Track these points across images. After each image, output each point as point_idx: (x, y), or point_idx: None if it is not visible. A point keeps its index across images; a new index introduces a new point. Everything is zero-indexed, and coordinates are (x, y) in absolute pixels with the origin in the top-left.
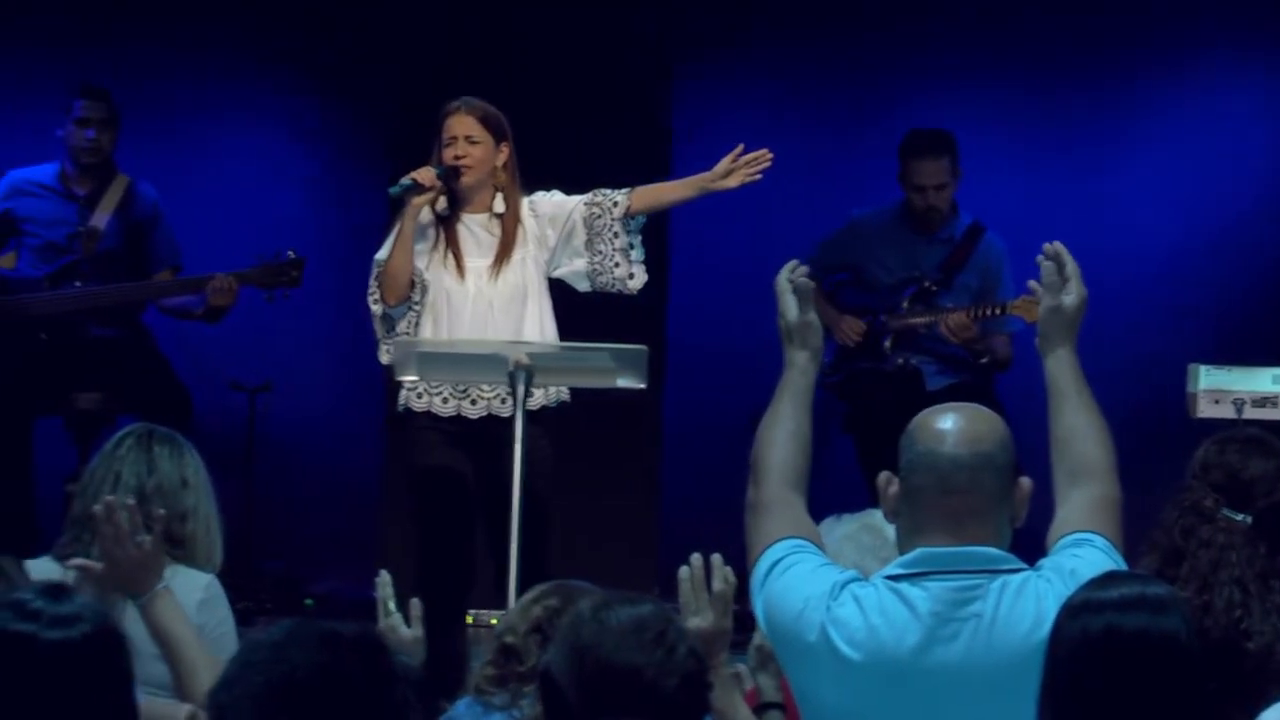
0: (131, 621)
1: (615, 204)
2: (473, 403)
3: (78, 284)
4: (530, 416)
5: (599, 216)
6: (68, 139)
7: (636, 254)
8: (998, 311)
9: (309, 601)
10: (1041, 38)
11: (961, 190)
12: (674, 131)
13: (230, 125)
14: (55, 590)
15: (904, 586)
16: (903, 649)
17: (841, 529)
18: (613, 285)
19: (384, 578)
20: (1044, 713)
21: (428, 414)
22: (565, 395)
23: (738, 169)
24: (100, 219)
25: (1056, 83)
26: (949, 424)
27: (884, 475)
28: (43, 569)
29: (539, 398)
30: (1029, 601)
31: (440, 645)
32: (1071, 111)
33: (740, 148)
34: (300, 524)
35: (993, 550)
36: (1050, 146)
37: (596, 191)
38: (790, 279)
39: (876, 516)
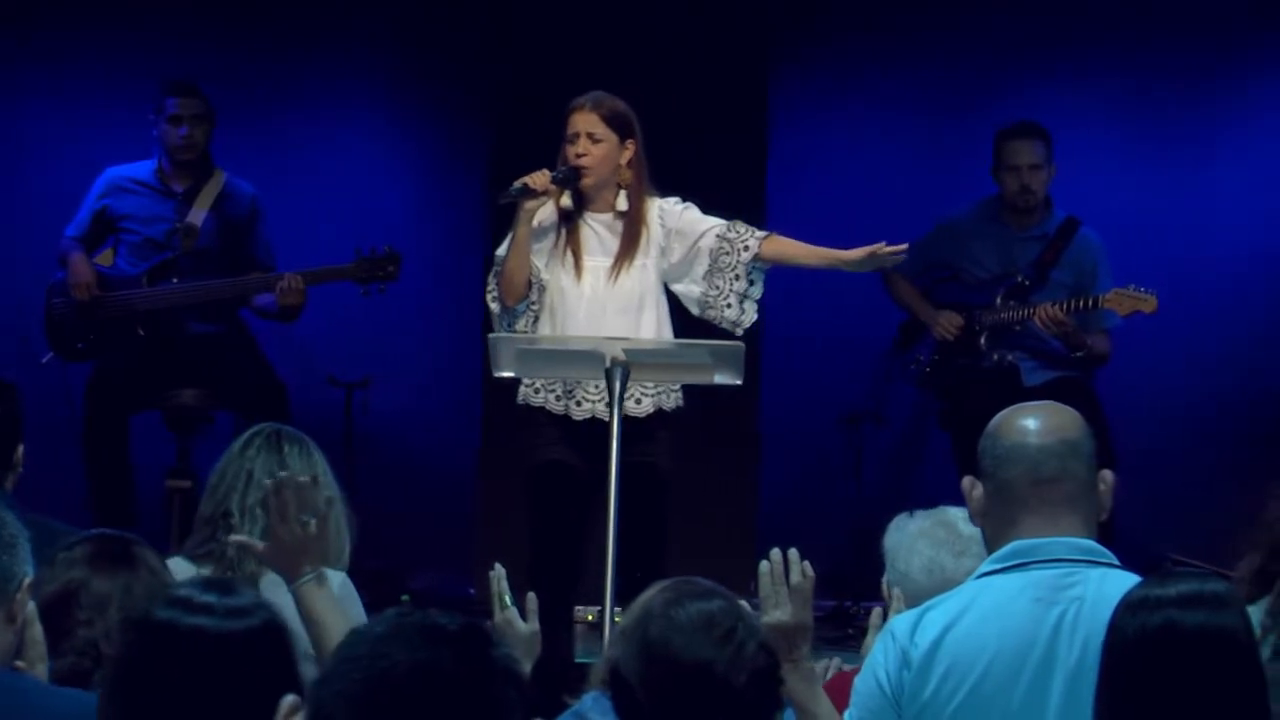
0: None
1: (746, 247)
2: (578, 404)
3: (175, 280)
4: (664, 419)
5: (726, 253)
6: (162, 137)
7: (755, 291)
8: (1090, 304)
9: (405, 598)
10: (1139, 33)
11: (1058, 188)
12: (770, 127)
13: (330, 122)
14: (218, 584)
15: (996, 579)
16: (1002, 631)
17: (915, 525)
18: (720, 321)
19: (499, 571)
20: (1101, 708)
21: (544, 410)
22: (681, 400)
23: (877, 258)
24: (197, 215)
25: (1153, 78)
26: (1030, 419)
27: (967, 480)
28: (177, 569)
29: (662, 400)
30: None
31: (548, 640)
32: (1169, 106)
33: (884, 244)
34: (397, 520)
35: (1089, 541)
36: (1148, 141)
37: (733, 225)
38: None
39: (950, 513)
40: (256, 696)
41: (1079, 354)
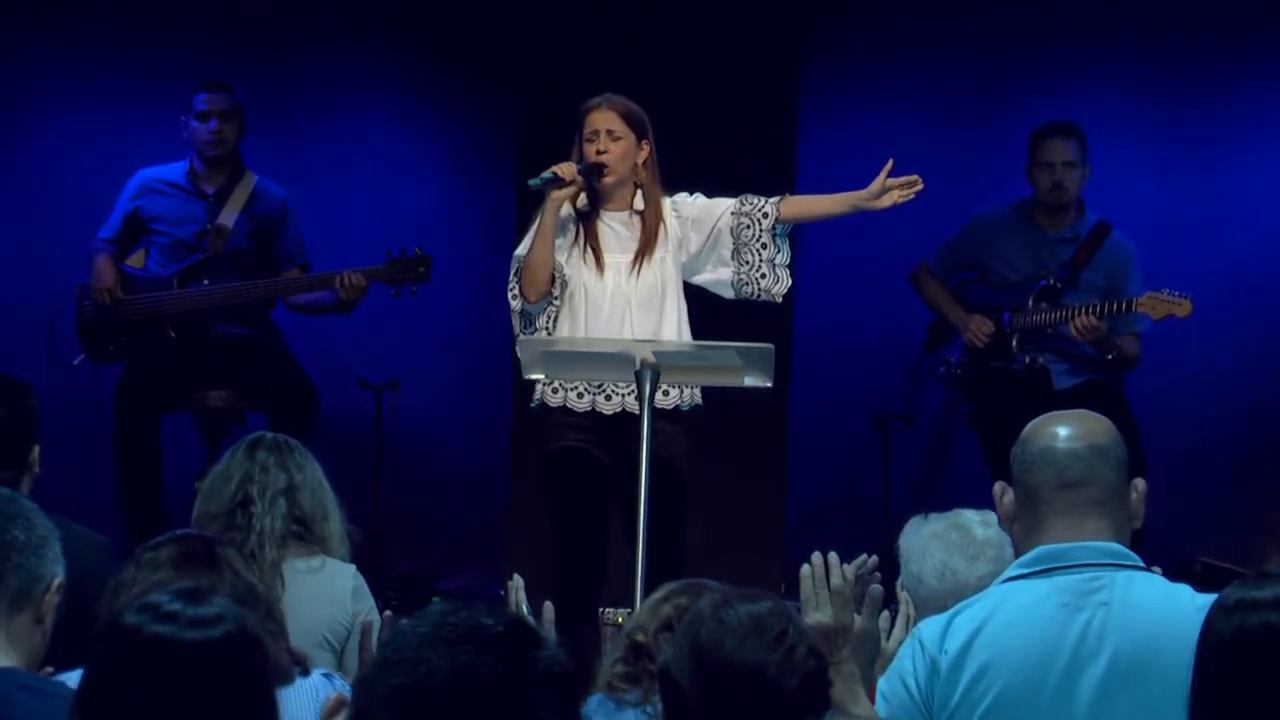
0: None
1: (765, 214)
2: (607, 398)
3: (205, 282)
4: (668, 415)
5: (747, 227)
6: (193, 135)
7: (782, 258)
8: (1123, 309)
9: (436, 599)
10: (1169, 37)
11: (1090, 192)
12: (799, 126)
13: (358, 123)
14: (191, 593)
15: (1021, 584)
16: (1028, 636)
17: (929, 528)
18: (758, 295)
19: (516, 582)
20: (1196, 709)
21: (563, 409)
22: (699, 398)
23: (891, 189)
24: (228, 217)
25: (1184, 81)
26: (1061, 425)
27: (998, 486)
28: None
29: (674, 397)
30: (1158, 591)
31: (573, 641)
32: (1199, 110)
33: (891, 163)
34: (428, 521)
35: (1114, 545)
36: (1179, 145)
37: (744, 199)
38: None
39: (964, 516)
40: (216, 706)
41: (1109, 356)
